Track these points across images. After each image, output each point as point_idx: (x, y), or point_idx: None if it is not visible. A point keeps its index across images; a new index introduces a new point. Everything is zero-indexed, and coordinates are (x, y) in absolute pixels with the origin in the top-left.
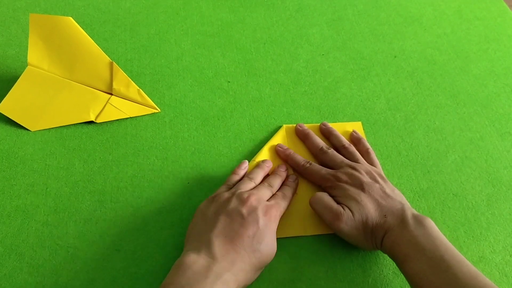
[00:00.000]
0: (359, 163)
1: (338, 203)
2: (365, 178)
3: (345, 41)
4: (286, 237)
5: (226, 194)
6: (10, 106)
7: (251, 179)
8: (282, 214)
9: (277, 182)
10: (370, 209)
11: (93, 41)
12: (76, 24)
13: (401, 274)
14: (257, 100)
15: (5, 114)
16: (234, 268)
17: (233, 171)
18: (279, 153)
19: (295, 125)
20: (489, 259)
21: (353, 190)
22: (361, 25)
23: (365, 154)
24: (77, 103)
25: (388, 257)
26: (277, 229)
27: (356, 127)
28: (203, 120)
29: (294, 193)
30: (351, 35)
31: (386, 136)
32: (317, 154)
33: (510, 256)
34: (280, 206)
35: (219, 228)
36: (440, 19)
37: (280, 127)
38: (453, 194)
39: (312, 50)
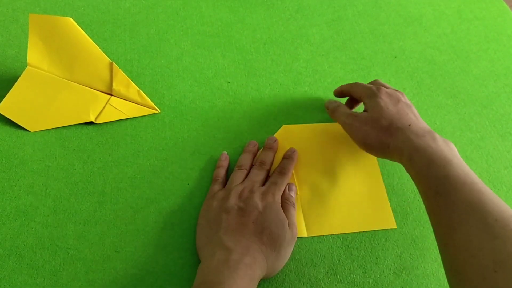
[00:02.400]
0: None
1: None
2: (404, 99)
3: (345, 41)
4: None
5: (222, 193)
6: (9, 106)
7: (240, 167)
8: (283, 189)
9: (268, 157)
10: (394, 114)
11: (92, 41)
12: (76, 24)
13: (402, 275)
14: (257, 100)
15: (4, 115)
16: (250, 252)
17: (216, 165)
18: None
19: (294, 125)
20: None
21: (386, 101)
22: (361, 25)
23: None
24: (77, 104)
25: (388, 257)
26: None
27: None
28: (203, 120)
29: (294, 163)
30: (351, 35)
31: None
32: (366, 93)
33: None
34: (277, 185)
35: (224, 226)
36: (440, 19)
37: (280, 127)
38: None
39: (312, 50)
